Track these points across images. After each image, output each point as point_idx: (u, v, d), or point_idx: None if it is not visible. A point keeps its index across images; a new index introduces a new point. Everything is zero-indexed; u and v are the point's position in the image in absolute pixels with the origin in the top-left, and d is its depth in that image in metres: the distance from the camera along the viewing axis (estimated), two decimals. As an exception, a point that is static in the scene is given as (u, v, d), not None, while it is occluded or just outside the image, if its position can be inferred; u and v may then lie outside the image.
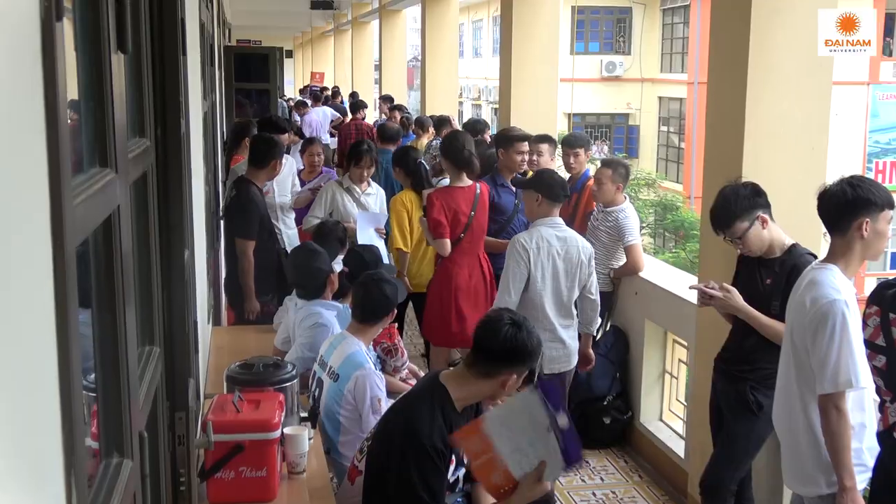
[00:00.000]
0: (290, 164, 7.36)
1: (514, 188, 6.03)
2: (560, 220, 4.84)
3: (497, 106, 14.02)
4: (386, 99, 14.34)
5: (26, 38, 0.98)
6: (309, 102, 17.16)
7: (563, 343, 4.80)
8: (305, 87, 24.56)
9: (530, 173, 6.12)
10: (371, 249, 5.09)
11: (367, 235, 5.94)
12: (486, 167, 6.72)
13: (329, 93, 19.58)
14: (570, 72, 26.15)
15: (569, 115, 28.39)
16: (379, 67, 17.75)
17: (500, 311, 3.12)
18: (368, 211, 6.39)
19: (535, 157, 6.34)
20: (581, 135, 7.61)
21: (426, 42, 12.97)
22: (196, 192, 3.57)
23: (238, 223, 5.62)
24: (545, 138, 6.59)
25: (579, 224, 6.02)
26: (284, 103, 18.62)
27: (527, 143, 6.30)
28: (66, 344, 1.05)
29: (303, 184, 7.40)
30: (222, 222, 6.08)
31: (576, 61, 27.79)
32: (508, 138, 6.33)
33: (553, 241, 4.74)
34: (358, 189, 6.48)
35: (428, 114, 11.49)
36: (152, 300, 2.15)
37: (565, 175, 6.59)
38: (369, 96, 19.50)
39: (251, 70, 13.58)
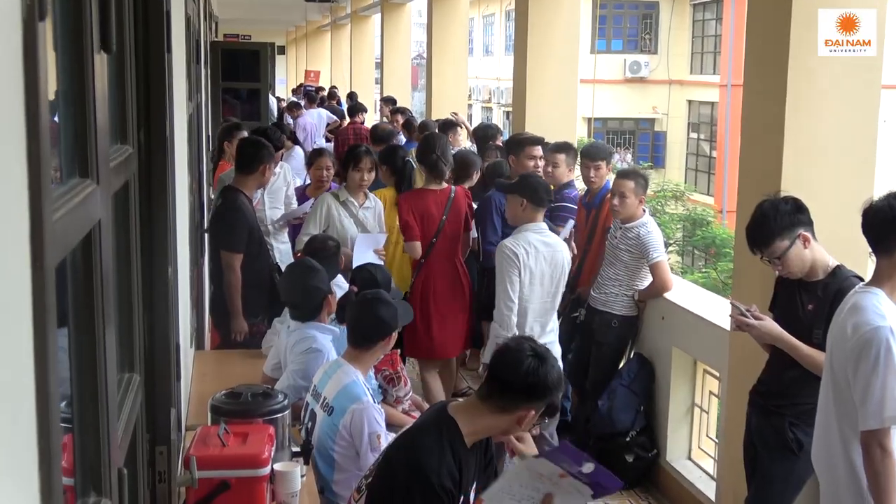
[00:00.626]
0: (284, 173, 7.32)
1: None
2: (544, 226, 5.17)
3: (510, 109, 14.04)
4: (388, 100, 14.35)
5: (6, 39, 0.99)
6: (303, 104, 17.19)
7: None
8: (299, 86, 24.63)
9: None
10: (384, 269, 5.11)
11: (365, 258, 5.72)
12: (493, 175, 6.71)
13: (325, 93, 19.63)
14: (591, 72, 26.19)
15: (589, 119, 28.34)
16: (380, 66, 17.80)
17: (520, 341, 3.08)
18: (367, 229, 6.11)
19: (550, 169, 6.26)
20: (602, 145, 7.62)
21: (432, 38, 13.01)
22: (180, 203, 3.59)
23: (224, 234, 5.62)
24: (563, 147, 6.48)
25: (598, 241, 6.01)
26: (275, 102, 18.65)
27: (539, 147, 6.27)
28: (45, 373, 1.05)
29: (305, 199, 7.10)
30: (206, 236, 6.06)
31: (597, 61, 27.77)
32: (519, 142, 6.34)
33: (540, 247, 5.07)
34: (355, 202, 6.15)
35: (434, 117, 11.50)
36: (133, 323, 2.15)
37: (583, 188, 6.59)
38: (369, 97, 19.56)
39: (240, 68, 13.66)
